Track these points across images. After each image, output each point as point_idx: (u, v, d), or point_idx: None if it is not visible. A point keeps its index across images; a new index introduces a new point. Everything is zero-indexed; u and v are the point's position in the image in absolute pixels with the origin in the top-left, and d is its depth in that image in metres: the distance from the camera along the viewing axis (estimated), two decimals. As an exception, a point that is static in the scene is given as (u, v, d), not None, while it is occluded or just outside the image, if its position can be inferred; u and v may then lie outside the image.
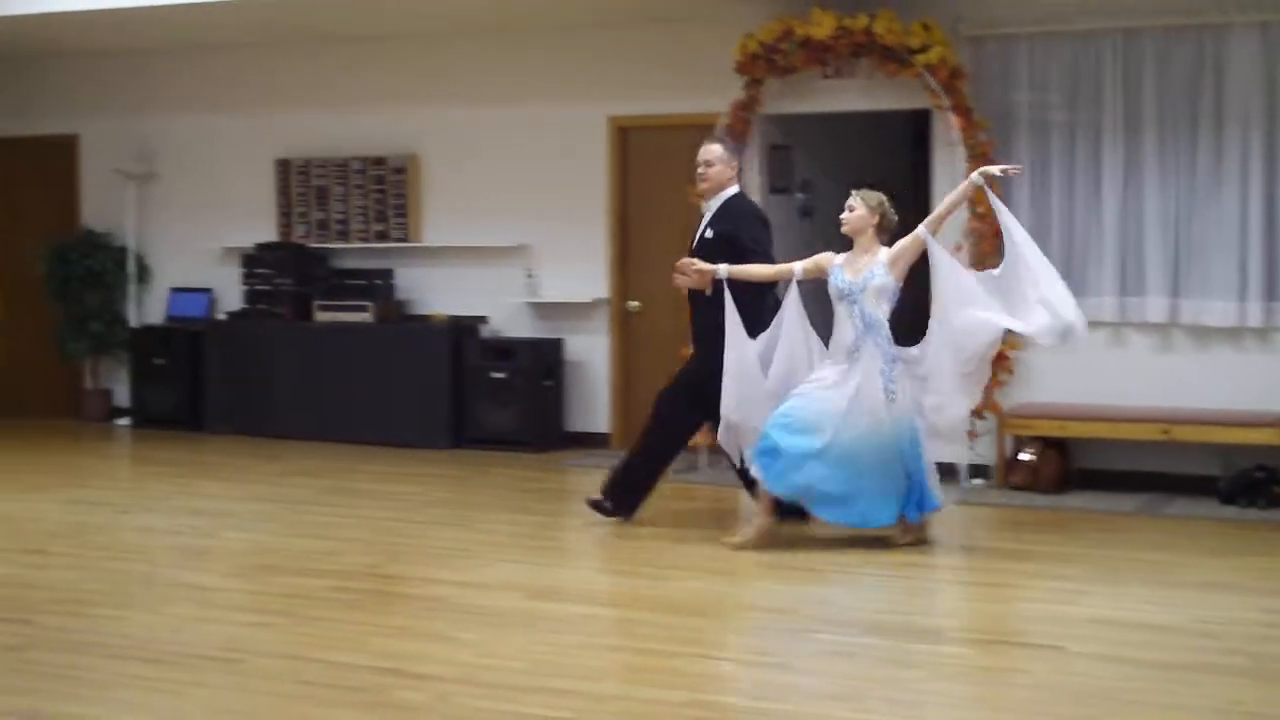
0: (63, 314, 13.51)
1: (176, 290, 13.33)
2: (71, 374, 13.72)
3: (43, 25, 11.99)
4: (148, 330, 13.28)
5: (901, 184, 12.92)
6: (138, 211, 13.51)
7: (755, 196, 10.97)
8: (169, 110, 13.43)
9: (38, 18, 11.70)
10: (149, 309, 13.50)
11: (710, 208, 8.67)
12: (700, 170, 8.68)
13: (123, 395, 13.46)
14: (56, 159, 13.92)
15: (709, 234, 8.56)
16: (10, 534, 8.77)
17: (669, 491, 10.12)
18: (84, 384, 13.67)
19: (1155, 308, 10.13)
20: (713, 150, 8.70)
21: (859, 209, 8.25)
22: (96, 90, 13.70)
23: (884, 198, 8.33)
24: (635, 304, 11.93)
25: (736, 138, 10.78)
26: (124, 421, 13.32)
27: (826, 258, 8.28)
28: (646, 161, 11.90)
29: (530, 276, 12.12)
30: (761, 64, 10.63)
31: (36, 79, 13.89)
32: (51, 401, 13.87)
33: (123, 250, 13.47)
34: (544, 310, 12.14)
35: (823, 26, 10.32)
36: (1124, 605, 7.08)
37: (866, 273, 8.13)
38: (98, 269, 13.38)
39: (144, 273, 13.51)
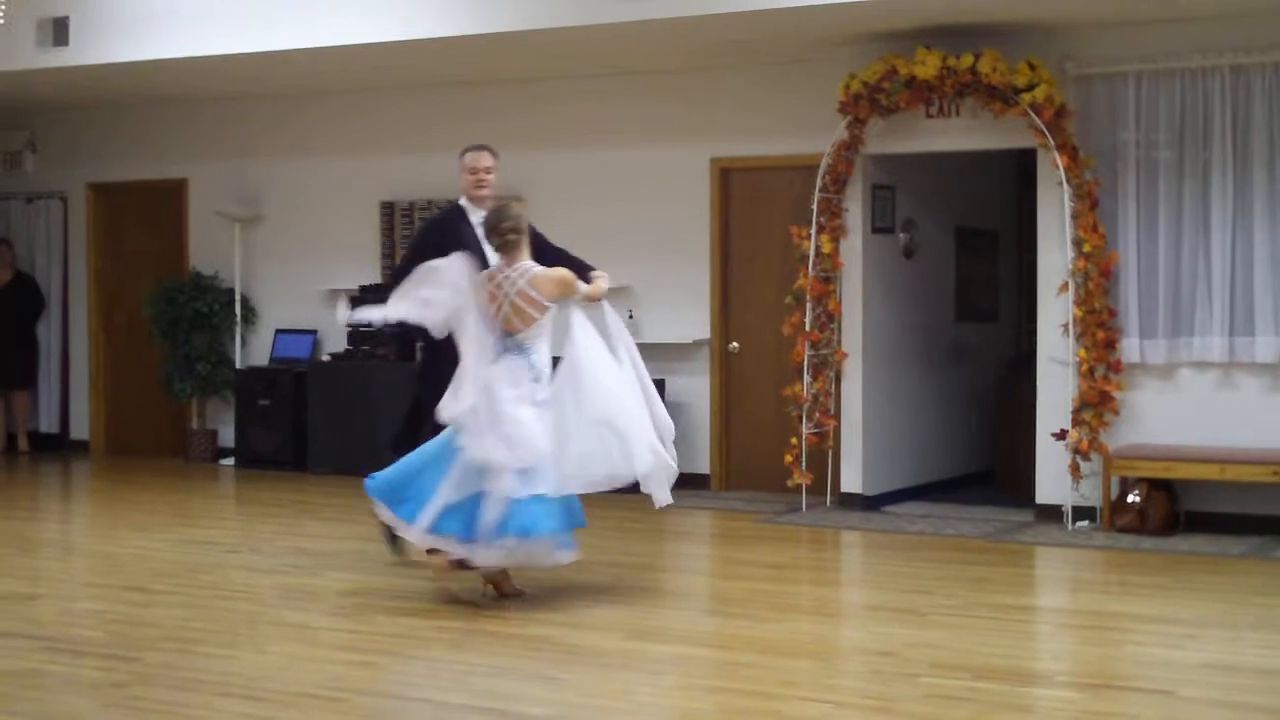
0: (170, 355, 13.69)
1: (281, 331, 13.47)
2: (178, 414, 13.89)
3: (152, 72, 12.19)
4: (253, 371, 13.42)
5: (1006, 224, 12.88)
6: (244, 254, 13.68)
7: (857, 237, 10.95)
8: (275, 154, 13.60)
9: (147, 64, 11.89)
10: (254, 350, 13.65)
11: (483, 213, 8.56)
12: (481, 178, 8.67)
13: (228, 435, 13.60)
14: (165, 202, 14.14)
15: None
16: (118, 572, 8.86)
17: (768, 533, 10.08)
18: (190, 424, 13.83)
19: (1265, 348, 9.96)
20: (488, 157, 8.72)
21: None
22: (204, 135, 13.90)
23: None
24: (736, 345, 11.90)
25: (838, 178, 10.76)
26: (229, 461, 13.46)
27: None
28: (748, 203, 11.89)
29: (631, 317, 12.12)
30: (864, 104, 10.60)
31: (146, 124, 14.12)
32: (158, 441, 14.05)
33: (229, 292, 13.64)
34: (645, 351, 11.99)
35: (927, 66, 10.27)
36: (1235, 650, 6.95)
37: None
38: (205, 310, 13.55)
39: (250, 314, 13.66)
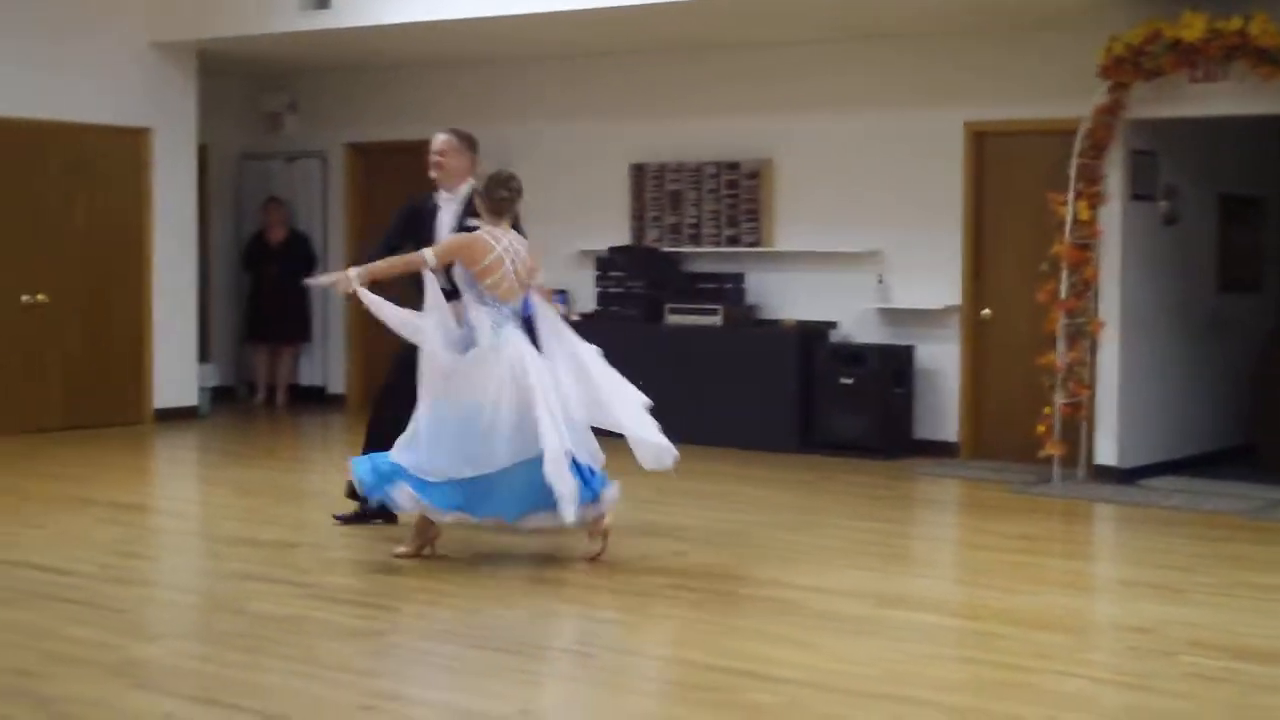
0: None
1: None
2: (426, 372, 14.14)
3: (410, 34, 12.40)
4: (504, 330, 13.60)
5: (1274, 191, 12.44)
6: (497, 214, 13.85)
7: (1116, 204, 10.67)
8: (528, 117, 13.75)
9: (406, 27, 12.10)
10: (506, 309, 13.84)
11: (459, 196, 8.58)
12: (436, 159, 8.64)
13: (479, 393, 13.81)
14: (422, 162, 14.33)
15: (473, 223, 8.20)
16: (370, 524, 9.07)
17: (1018, 503, 9.91)
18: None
19: None
20: (441, 139, 8.69)
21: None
22: (459, 97, 14.11)
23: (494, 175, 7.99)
24: (988, 312, 11.71)
25: (1097, 143, 10.50)
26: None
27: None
28: (1003, 168, 11.68)
29: (881, 282, 12.02)
30: (1127, 68, 10.31)
31: (403, 86, 14.39)
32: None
33: (482, 252, 13.83)
34: (894, 316, 12.02)
35: (1193, 28, 9.96)
36: None
37: None
38: (458, 270, 13.74)
39: (502, 274, 13.84)
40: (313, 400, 14.88)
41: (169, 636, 6.67)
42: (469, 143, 8.79)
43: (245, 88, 15.18)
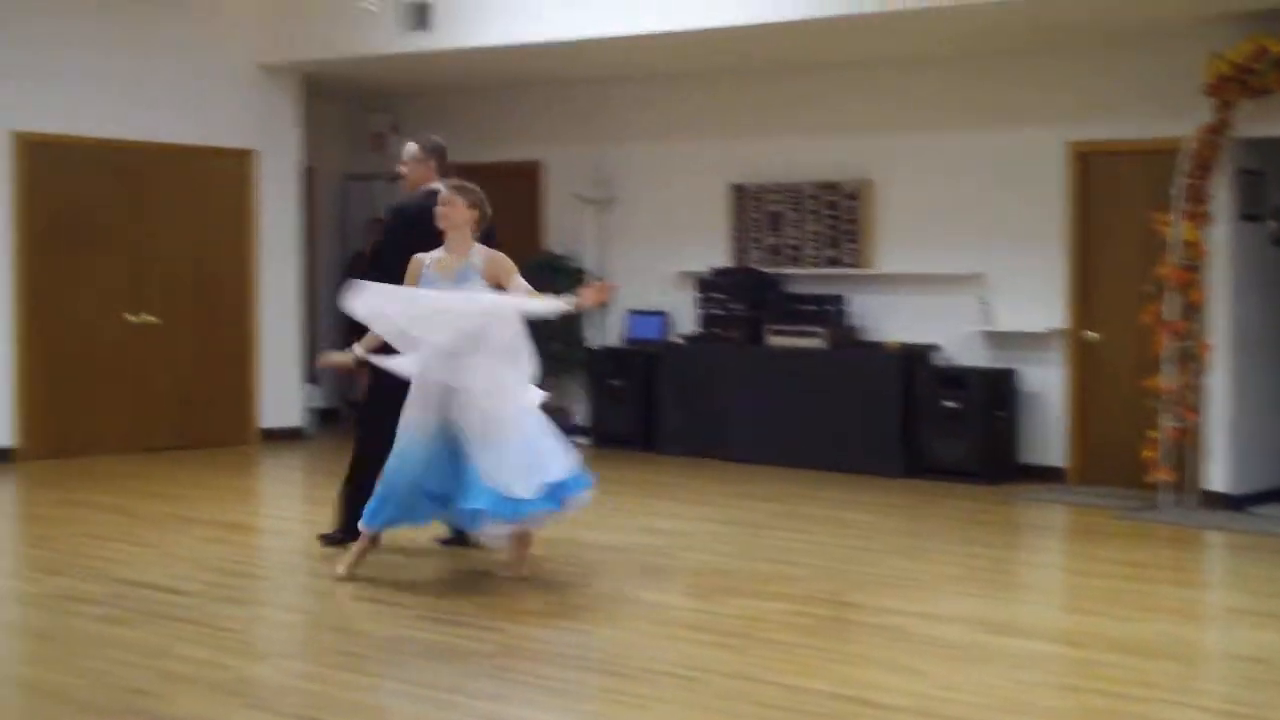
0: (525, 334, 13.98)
1: (634, 312, 13.67)
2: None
3: (510, 56, 12.48)
4: (606, 351, 13.65)
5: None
6: (597, 235, 13.92)
7: (1223, 224, 10.55)
8: (628, 137, 13.80)
9: (506, 49, 12.17)
10: (607, 331, 13.88)
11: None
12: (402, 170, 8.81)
13: (581, 414, 13.87)
14: (521, 185, 14.47)
15: None
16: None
17: (1125, 529, 9.81)
18: (544, 403, 14.10)
19: None
20: (407, 149, 8.89)
21: (458, 204, 8.00)
22: (559, 118, 14.19)
23: (481, 193, 8.11)
24: (1093, 335, 11.59)
25: (1203, 162, 10.38)
26: (582, 440, 13.71)
27: (415, 261, 7.99)
28: (1106, 188, 11.56)
29: (984, 304, 11.94)
30: (1233, 86, 10.20)
31: (503, 107, 14.48)
32: (513, 418, 14.38)
33: (582, 273, 13.89)
34: (997, 339, 11.93)
35: (1301, 46, 9.84)
36: None
37: (460, 271, 7.96)
38: (559, 291, 13.78)
39: (602, 295, 13.88)
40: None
41: (278, 656, 6.74)
42: (431, 151, 8.99)
43: (349, 109, 15.33)
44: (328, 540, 8.74)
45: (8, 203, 12.14)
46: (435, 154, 8.96)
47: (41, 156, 12.27)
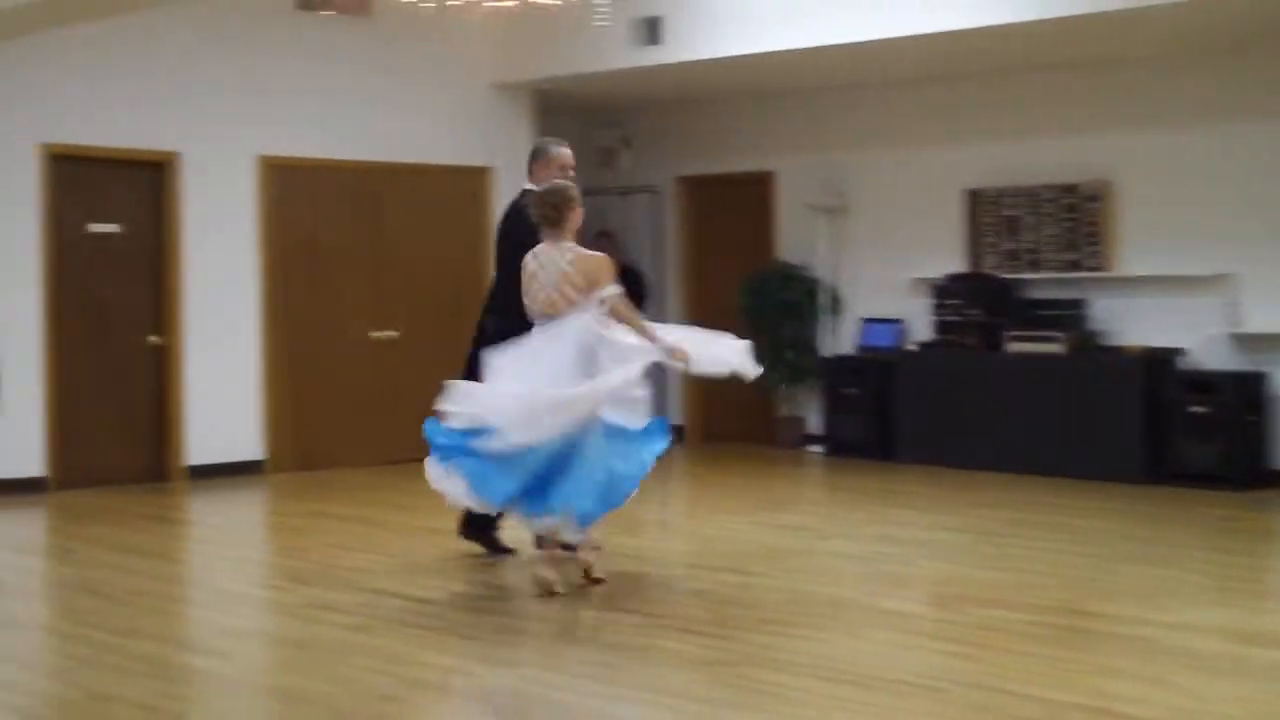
0: (759, 343, 13.96)
1: (868, 321, 13.57)
2: (767, 401, 14.18)
3: (742, 67, 12.48)
4: (840, 360, 13.57)
5: None
6: (830, 244, 13.85)
7: None
8: (860, 144, 13.71)
9: (738, 60, 12.19)
10: (841, 339, 13.80)
11: None
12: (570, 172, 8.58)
13: (815, 423, 13.81)
14: (753, 194, 14.48)
15: None
16: (714, 554, 9.13)
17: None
18: (778, 411, 14.10)
19: None
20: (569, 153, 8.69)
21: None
22: (791, 127, 14.16)
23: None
24: (1347, 335, 11.18)
25: None
26: (816, 448, 13.66)
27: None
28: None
29: (1232, 306, 11.58)
30: None
31: (734, 118, 14.50)
32: (747, 427, 14.39)
33: (816, 282, 13.84)
34: (1248, 342, 11.57)
35: None
36: None
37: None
38: (792, 300, 13.80)
39: (836, 304, 13.82)
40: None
41: (524, 665, 6.81)
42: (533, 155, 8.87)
43: (579, 125, 15.48)
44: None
45: (254, 224, 12.52)
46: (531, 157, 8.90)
47: (285, 178, 12.63)
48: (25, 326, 11.52)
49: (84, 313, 11.84)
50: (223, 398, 12.25)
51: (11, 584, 8.76)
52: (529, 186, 8.55)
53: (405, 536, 9.80)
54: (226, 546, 9.68)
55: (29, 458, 11.50)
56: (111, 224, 11.96)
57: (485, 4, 12.90)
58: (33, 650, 7.25)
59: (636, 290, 14.94)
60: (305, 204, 12.81)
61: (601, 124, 15.46)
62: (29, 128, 11.51)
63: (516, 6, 12.87)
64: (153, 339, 12.09)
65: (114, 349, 12.00)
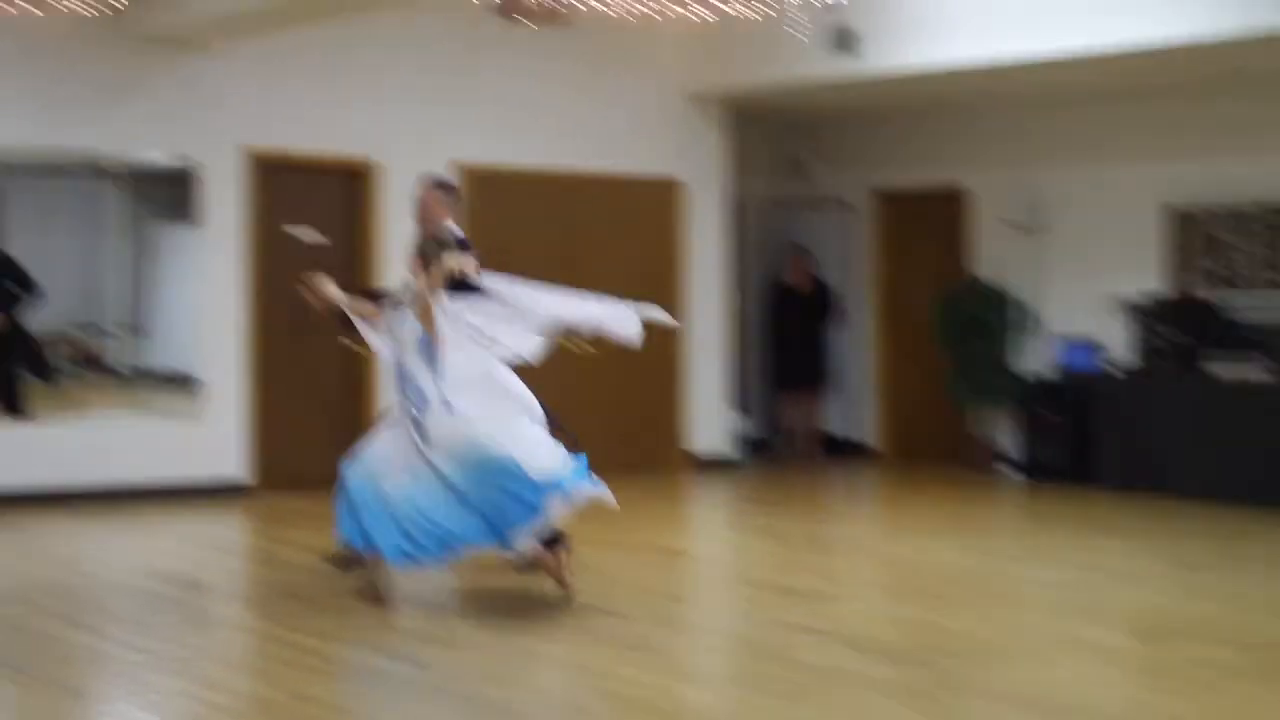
0: (952, 362, 13.81)
1: (1063, 340, 13.31)
2: (959, 421, 13.98)
3: (939, 79, 12.29)
4: (1036, 381, 13.33)
5: None
6: (1026, 262, 13.60)
7: None
8: (1057, 160, 13.44)
9: (936, 72, 12.01)
10: (1037, 359, 13.55)
11: None
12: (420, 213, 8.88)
13: (1009, 444, 13.57)
14: (948, 209, 14.28)
15: None
16: (909, 576, 9.02)
17: None
18: (970, 431, 13.89)
19: None
20: (432, 193, 8.92)
21: None
22: (987, 141, 13.93)
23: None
24: None
25: None
26: (1010, 471, 13.42)
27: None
28: None
29: None
30: None
31: (929, 131, 14.32)
32: (939, 447, 14.19)
33: (1010, 299, 13.61)
34: None
35: None
36: None
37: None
38: (986, 318, 13.58)
39: (1031, 322, 13.57)
40: (844, 451, 14.86)
41: (717, 680, 6.79)
42: (447, 191, 9.06)
43: (772, 136, 15.41)
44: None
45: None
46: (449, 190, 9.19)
47: (479, 185, 12.74)
48: (231, 330, 11.76)
49: (287, 316, 12.03)
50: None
51: (214, 585, 8.93)
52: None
53: (596, 549, 9.72)
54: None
55: (231, 461, 11.73)
56: (311, 228, 12.16)
57: (679, 14, 12.97)
58: (235, 650, 7.38)
59: (828, 307, 14.87)
60: (499, 211, 12.90)
61: (794, 135, 15.37)
62: (234, 132, 11.75)
63: (710, 16, 12.93)
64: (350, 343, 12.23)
65: (313, 353, 12.18)
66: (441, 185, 9.10)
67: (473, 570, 8.62)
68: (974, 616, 7.85)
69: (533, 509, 7.55)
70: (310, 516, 10.79)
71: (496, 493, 7.59)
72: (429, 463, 7.73)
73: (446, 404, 7.75)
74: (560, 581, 7.95)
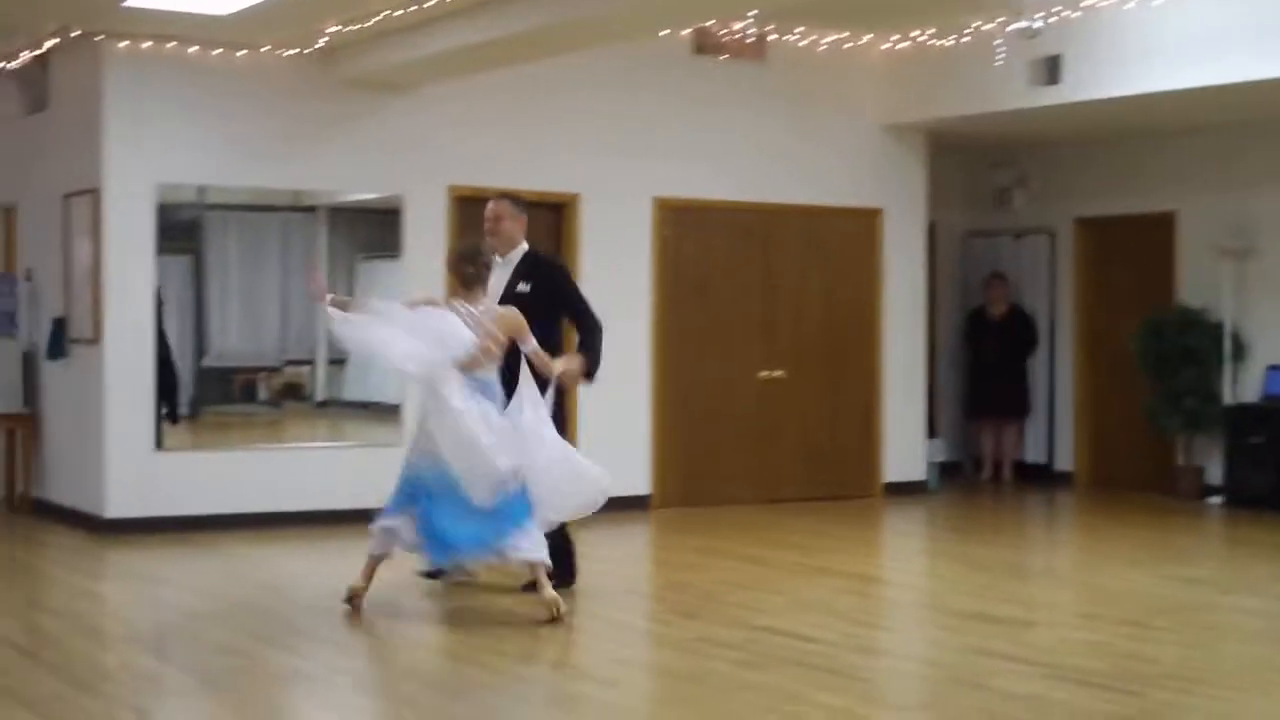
0: (1155, 389, 13.54)
1: (1273, 368, 12.97)
2: (1163, 450, 13.70)
3: (1145, 105, 12.09)
4: (1242, 408, 13.01)
5: None
6: (1235, 287, 13.29)
7: None
8: (1268, 183, 13.13)
9: (1141, 99, 11.81)
10: (1245, 387, 13.22)
11: (510, 261, 8.83)
12: (489, 226, 8.87)
13: (1215, 473, 13.25)
14: (1152, 236, 14.02)
15: (523, 288, 8.74)
16: (1112, 605, 8.86)
17: None
18: (1175, 460, 13.60)
19: None
20: (502, 205, 8.91)
21: None
22: (1195, 166, 13.65)
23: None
24: None
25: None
26: (1216, 500, 13.10)
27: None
28: None
29: None
30: None
31: (1134, 158, 14.08)
32: (1141, 475, 13.92)
33: (1218, 327, 13.31)
34: None
35: None
36: None
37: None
38: (1193, 345, 13.29)
39: (1240, 350, 13.25)
40: (1038, 477, 14.68)
41: (911, 708, 6.74)
42: (521, 209, 9.03)
43: (972, 165, 15.29)
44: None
45: (648, 263, 12.76)
46: (524, 208, 9.16)
47: (678, 219, 12.84)
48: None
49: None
50: (613, 432, 12.47)
51: (411, 607, 9.09)
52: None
53: (793, 575, 9.81)
54: (615, 578, 9.85)
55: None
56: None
57: (878, 46, 12.95)
58: (431, 671, 7.50)
59: (1027, 336, 14.70)
60: (697, 244, 12.99)
61: (995, 164, 15.23)
62: (437, 169, 12.00)
63: (908, 47, 12.89)
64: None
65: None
66: (511, 199, 9.22)
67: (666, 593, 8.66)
68: (1179, 646, 7.69)
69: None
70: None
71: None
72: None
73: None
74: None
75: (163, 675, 7.34)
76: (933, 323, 14.63)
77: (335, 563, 9.43)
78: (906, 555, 11.62)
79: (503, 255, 8.84)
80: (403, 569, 8.80)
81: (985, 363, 14.89)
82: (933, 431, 14.27)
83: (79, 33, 11.07)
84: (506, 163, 12.16)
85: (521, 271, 8.86)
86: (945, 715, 6.52)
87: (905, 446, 13.75)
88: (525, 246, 8.99)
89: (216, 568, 10.07)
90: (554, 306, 8.88)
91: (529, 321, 8.30)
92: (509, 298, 8.65)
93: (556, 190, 12.41)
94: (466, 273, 8.30)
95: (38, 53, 11.71)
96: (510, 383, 8.28)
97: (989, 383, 14.86)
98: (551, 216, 12.44)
